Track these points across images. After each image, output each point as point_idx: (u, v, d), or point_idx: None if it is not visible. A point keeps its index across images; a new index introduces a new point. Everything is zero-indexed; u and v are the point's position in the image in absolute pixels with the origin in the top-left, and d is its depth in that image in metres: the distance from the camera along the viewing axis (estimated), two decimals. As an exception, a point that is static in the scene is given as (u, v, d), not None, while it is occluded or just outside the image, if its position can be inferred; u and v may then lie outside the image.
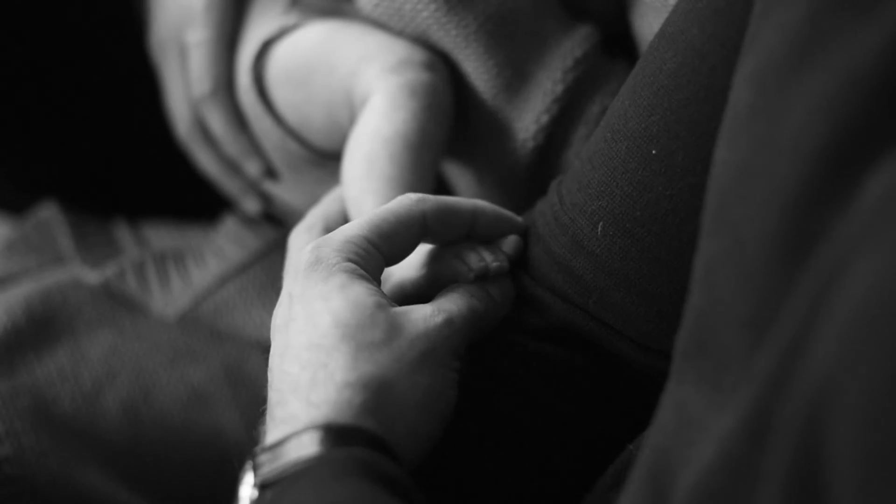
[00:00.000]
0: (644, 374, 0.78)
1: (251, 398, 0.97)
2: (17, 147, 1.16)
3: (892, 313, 0.50)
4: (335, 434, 0.68)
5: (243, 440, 0.96)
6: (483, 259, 0.79)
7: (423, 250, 0.81)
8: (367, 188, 0.86)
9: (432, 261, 0.81)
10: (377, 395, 0.70)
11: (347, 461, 0.67)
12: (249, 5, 1.00)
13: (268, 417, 0.71)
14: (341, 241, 0.76)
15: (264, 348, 0.95)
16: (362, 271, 0.75)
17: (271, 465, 0.68)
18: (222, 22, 1.00)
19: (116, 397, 0.95)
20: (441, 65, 0.92)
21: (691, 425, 0.65)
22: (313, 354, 0.71)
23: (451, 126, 0.92)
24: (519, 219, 0.82)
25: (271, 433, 0.70)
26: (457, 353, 0.75)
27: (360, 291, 0.73)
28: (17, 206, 1.15)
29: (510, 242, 0.81)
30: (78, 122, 1.15)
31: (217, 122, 1.02)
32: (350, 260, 0.75)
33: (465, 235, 0.81)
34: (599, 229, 0.78)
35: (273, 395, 0.71)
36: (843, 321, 0.52)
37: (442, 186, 0.99)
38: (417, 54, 0.91)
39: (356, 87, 0.91)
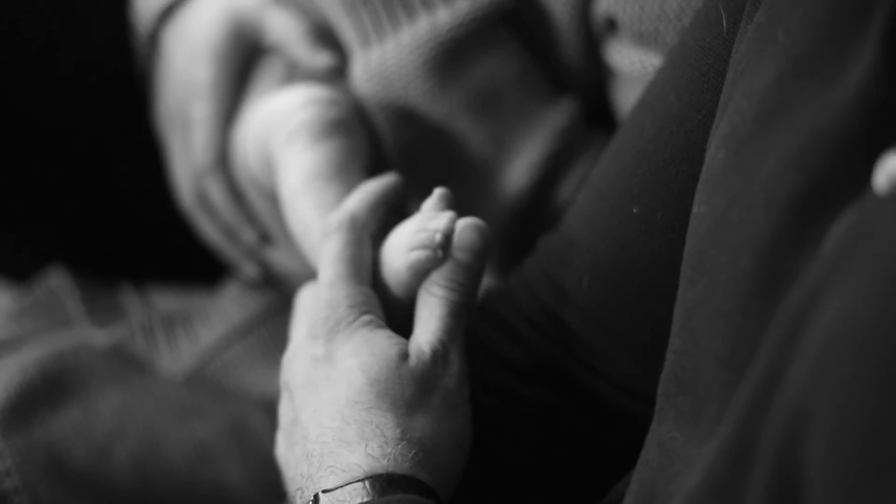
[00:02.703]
0: (629, 418, 0.82)
1: (256, 453, 1.01)
2: (24, 216, 1.19)
3: (854, 343, 0.54)
4: (394, 483, 0.74)
5: (248, 493, 1.01)
6: (428, 229, 0.80)
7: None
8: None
9: (402, 271, 0.83)
10: (423, 447, 0.76)
11: None
12: (250, 82, 1.04)
13: (312, 466, 0.76)
14: (347, 295, 0.80)
15: (269, 407, 1.00)
16: (373, 316, 0.79)
17: None
18: (225, 98, 1.04)
19: (127, 451, 0.99)
20: (345, 98, 0.97)
21: (675, 459, 0.69)
22: (353, 411, 0.76)
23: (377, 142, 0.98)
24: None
25: (326, 479, 0.75)
26: (465, 376, 0.79)
27: (383, 343, 0.78)
28: (22, 273, 1.17)
29: (434, 199, 0.83)
30: (83, 191, 1.18)
31: (216, 193, 1.05)
32: (364, 312, 0.79)
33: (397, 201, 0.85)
34: (585, 283, 0.82)
35: (315, 446, 0.76)
36: (813, 351, 0.56)
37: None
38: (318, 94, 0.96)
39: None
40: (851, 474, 0.52)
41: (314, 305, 0.81)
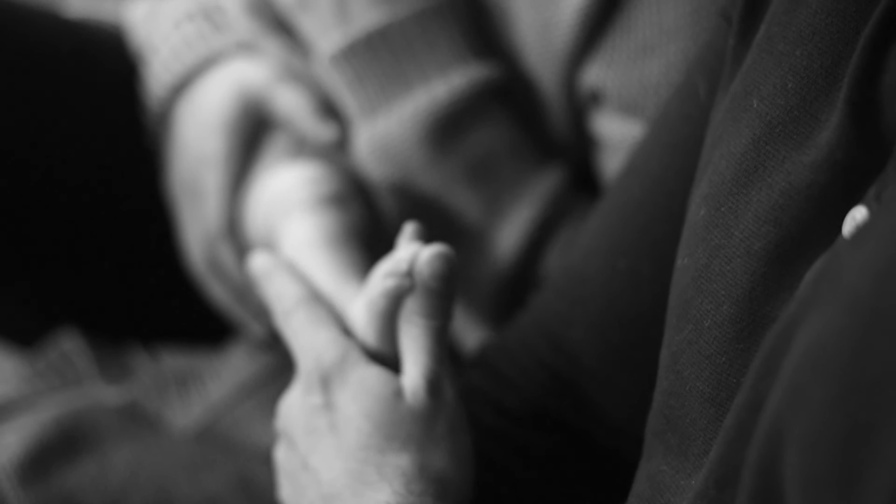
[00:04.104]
0: (623, 460, 0.85)
1: (263, 504, 1.05)
2: (35, 279, 1.20)
3: (821, 369, 0.56)
4: None
5: (256, 544, 1.04)
6: (397, 259, 0.82)
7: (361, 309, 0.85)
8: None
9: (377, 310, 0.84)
10: (439, 478, 0.78)
11: None
12: (259, 152, 1.08)
13: None
14: (328, 339, 0.83)
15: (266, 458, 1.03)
16: (361, 353, 0.82)
17: None
18: (235, 169, 1.07)
19: (140, 503, 1.03)
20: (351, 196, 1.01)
21: (665, 490, 0.72)
22: (368, 454, 0.78)
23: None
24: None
25: None
26: (459, 397, 0.81)
27: (379, 383, 0.80)
28: (31, 335, 1.17)
29: (405, 233, 0.85)
30: (91, 256, 1.19)
31: (228, 258, 1.08)
32: (348, 351, 0.82)
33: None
34: (577, 334, 0.86)
35: (333, 489, 0.79)
36: (787, 374, 0.59)
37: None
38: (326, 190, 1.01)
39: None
40: (821, 489, 0.55)
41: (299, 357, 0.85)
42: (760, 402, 0.62)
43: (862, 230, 0.60)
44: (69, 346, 1.16)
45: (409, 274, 0.81)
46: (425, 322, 0.81)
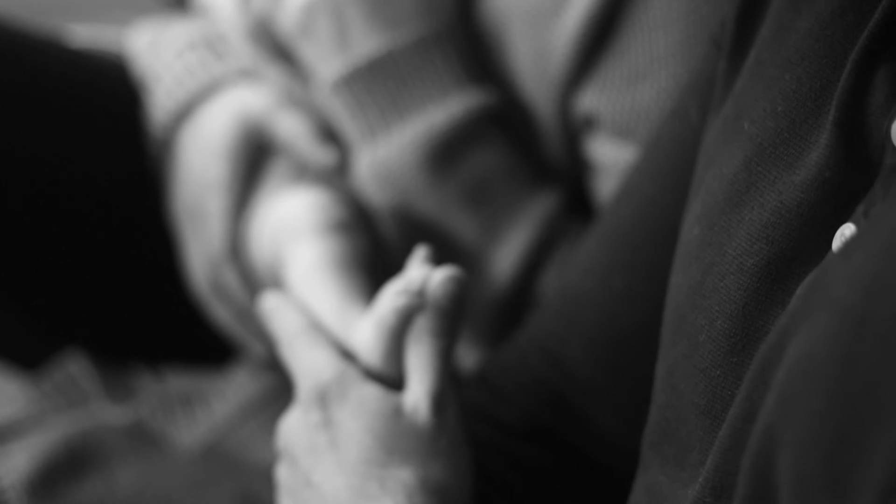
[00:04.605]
0: (620, 474, 0.86)
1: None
2: (40, 304, 1.20)
3: (812, 376, 0.57)
4: None
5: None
6: (409, 278, 0.84)
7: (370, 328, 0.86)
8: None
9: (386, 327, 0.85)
10: (441, 490, 0.79)
11: None
12: (261, 176, 1.09)
13: None
14: (326, 356, 0.84)
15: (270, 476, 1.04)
16: (359, 371, 0.83)
17: None
18: (238, 193, 1.08)
19: (146, 520, 1.04)
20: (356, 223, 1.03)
21: (662, 500, 0.73)
22: (370, 468, 0.79)
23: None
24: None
25: None
26: (462, 413, 0.83)
27: (379, 399, 0.81)
28: (34, 357, 1.18)
29: (416, 256, 0.88)
30: (96, 279, 1.20)
31: (232, 280, 1.09)
32: (345, 368, 0.83)
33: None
34: (574, 352, 0.87)
35: (337, 501, 0.80)
36: (780, 382, 0.60)
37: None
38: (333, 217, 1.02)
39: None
40: (813, 492, 0.56)
41: (299, 378, 0.86)
42: (754, 412, 0.63)
43: (850, 244, 0.62)
44: (75, 367, 1.17)
45: (420, 293, 0.83)
46: (434, 341, 0.82)
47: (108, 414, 1.13)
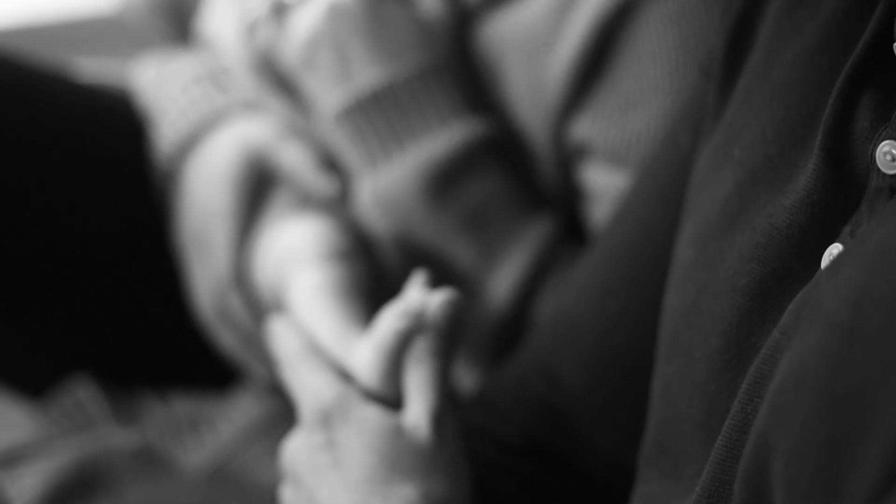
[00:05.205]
0: (610, 488, 0.88)
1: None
2: (47, 331, 1.21)
3: (803, 385, 0.59)
4: None
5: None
6: (409, 300, 0.86)
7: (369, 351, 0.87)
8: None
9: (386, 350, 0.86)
10: None
11: None
12: (265, 205, 1.10)
13: None
14: (326, 380, 0.86)
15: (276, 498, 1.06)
16: (359, 393, 0.84)
17: None
18: (242, 222, 1.09)
19: (153, 540, 1.06)
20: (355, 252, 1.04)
21: None
22: (373, 485, 0.80)
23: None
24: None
25: None
26: (460, 429, 0.84)
27: (381, 419, 0.82)
28: (41, 386, 1.19)
29: (415, 280, 0.90)
30: (103, 306, 1.21)
31: (237, 306, 1.10)
32: (345, 389, 0.85)
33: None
34: (571, 371, 0.88)
35: None
36: (773, 391, 0.62)
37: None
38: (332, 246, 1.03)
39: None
40: (805, 496, 0.57)
41: (301, 401, 0.87)
42: (749, 424, 0.66)
43: (838, 262, 0.63)
44: (82, 392, 1.17)
45: (419, 316, 0.85)
46: (433, 361, 0.84)
47: (115, 437, 1.14)
